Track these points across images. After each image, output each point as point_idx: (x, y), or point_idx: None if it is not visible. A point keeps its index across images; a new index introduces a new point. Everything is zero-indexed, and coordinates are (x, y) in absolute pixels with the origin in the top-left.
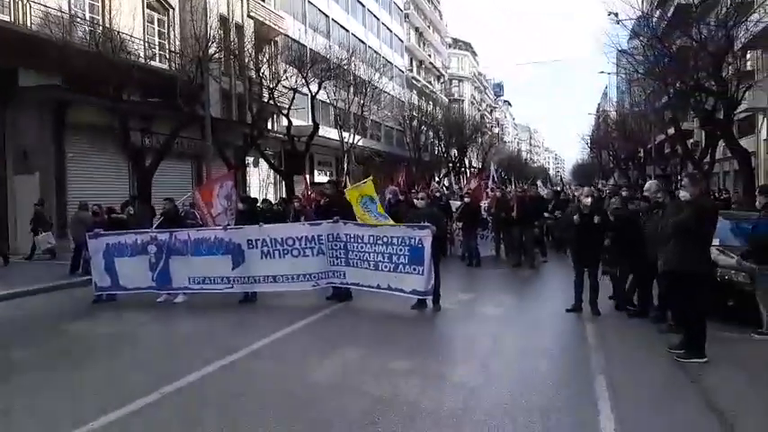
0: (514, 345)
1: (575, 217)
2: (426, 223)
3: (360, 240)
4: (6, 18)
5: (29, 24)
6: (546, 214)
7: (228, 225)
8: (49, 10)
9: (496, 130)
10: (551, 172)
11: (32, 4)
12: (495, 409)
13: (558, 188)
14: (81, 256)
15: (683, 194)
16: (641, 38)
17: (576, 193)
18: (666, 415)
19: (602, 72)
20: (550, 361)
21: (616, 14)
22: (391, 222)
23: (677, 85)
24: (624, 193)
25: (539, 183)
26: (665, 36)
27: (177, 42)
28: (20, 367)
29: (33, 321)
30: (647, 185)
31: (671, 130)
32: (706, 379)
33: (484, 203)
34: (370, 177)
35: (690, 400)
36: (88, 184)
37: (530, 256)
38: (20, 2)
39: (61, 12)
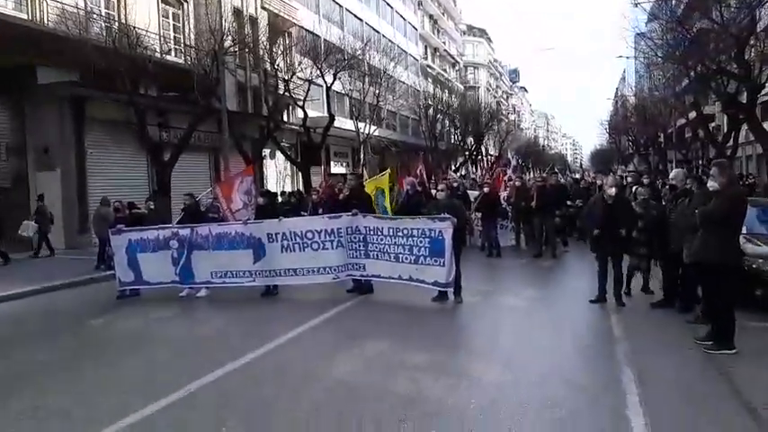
0: (539, 338)
1: (595, 231)
2: (447, 215)
3: (379, 233)
4: (24, 15)
5: (46, 21)
6: (568, 203)
7: (249, 220)
8: (66, 7)
9: (513, 116)
10: (569, 158)
11: (49, 1)
12: (521, 405)
13: (578, 175)
14: (105, 251)
15: (711, 184)
16: (660, 21)
17: (596, 181)
18: (696, 408)
19: (621, 56)
20: (576, 354)
21: None
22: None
23: (698, 68)
24: (646, 181)
25: (557, 170)
26: (685, 18)
27: (192, 36)
28: (46, 364)
29: (59, 317)
30: (673, 173)
31: (692, 115)
32: (736, 371)
33: (503, 193)
34: (388, 170)
35: (720, 392)
36: (108, 179)
37: (551, 245)
38: None
39: (77, 8)
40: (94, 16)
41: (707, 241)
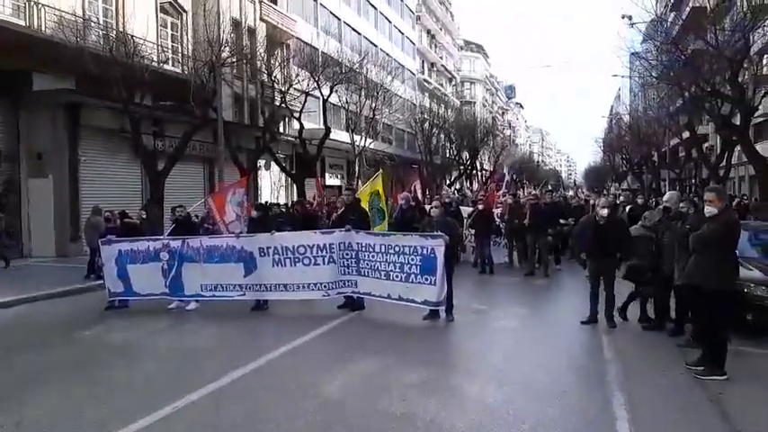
0: (530, 358)
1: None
2: (439, 232)
3: (371, 249)
4: (21, 22)
5: (43, 28)
6: (562, 221)
7: (241, 233)
8: (63, 14)
9: (508, 132)
10: (563, 175)
11: (47, 8)
12: (513, 425)
13: (571, 192)
14: (95, 260)
15: (709, 210)
16: (655, 41)
17: (588, 199)
18: None
19: (615, 75)
20: (567, 376)
21: (630, 17)
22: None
23: (692, 89)
24: (640, 201)
25: (550, 187)
26: (680, 39)
27: (190, 46)
28: (32, 376)
29: (47, 327)
30: (667, 196)
31: (685, 135)
32: (726, 398)
33: (496, 210)
34: (380, 170)
35: (710, 420)
36: (101, 187)
37: (543, 264)
38: (34, 6)
39: (75, 16)
40: (92, 24)
41: (700, 264)
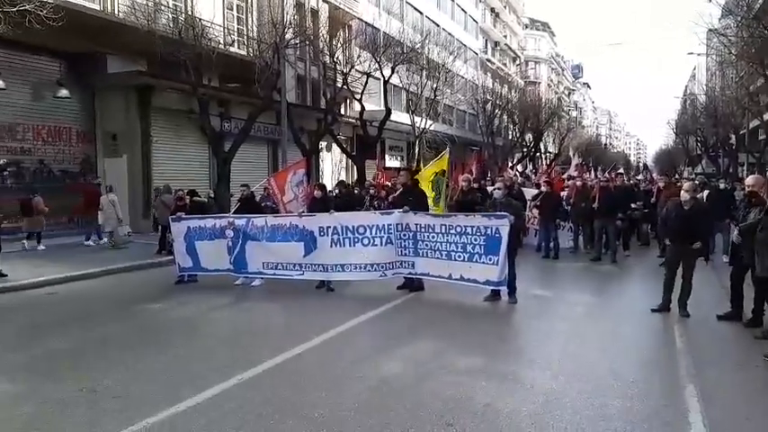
0: (595, 346)
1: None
2: (504, 212)
3: (431, 230)
4: (96, 6)
5: (116, 12)
6: (633, 205)
7: (303, 212)
8: None
9: (574, 113)
10: (632, 158)
11: None
12: (575, 415)
13: (640, 176)
14: (166, 237)
15: None
16: (735, 16)
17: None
18: (762, 429)
19: (691, 53)
20: (635, 365)
21: None
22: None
23: None
24: (722, 185)
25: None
26: (762, 14)
27: (255, 28)
28: (105, 345)
29: (120, 299)
30: (752, 180)
31: (767, 115)
32: None
33: (563, 193)
34: (447, 150)
35: None
36: (171, 167)
37: (612, 249)
38: None
39: (146, 0)
40: (162, 8)
41: None
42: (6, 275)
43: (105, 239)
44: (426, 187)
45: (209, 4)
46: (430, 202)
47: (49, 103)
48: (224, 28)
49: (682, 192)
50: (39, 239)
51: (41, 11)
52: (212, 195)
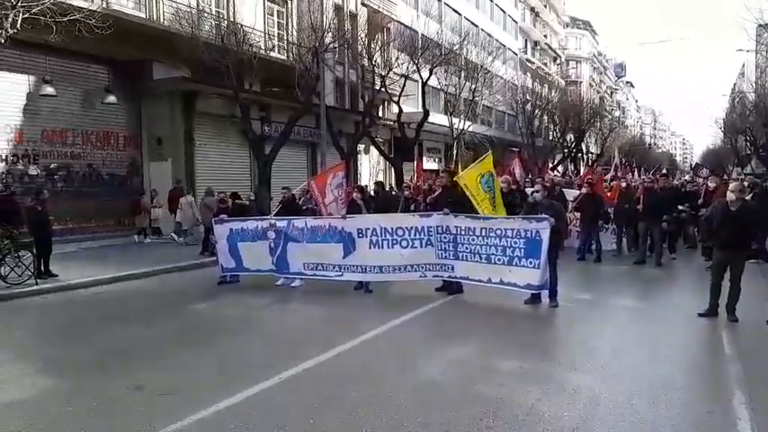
0: (639, 351)
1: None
2: (544, 215)
3: (471, 233)
4: (142, 15)
5: (162, 20)
6: (680, 207)
7: (344, 215)
8: (180, 6)
9: (617, 113)
10: (678, 158)
11: (165, 0)
12: (619, 422)
13: (688, 177)
14: (209, 238)
15: None
16: None
17: (707, 183)
18: None
19: (740, 50)
20: (680, 371)
21: None
22: (501, 211)
23: None
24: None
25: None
26: None
27: (295, 33)
28: (152, 343)
29: (165, 299)
30: None
31: None
32: None
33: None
34: (489, 152)
35: None
36: (214, 170)
37: (656, 253)
38: None
39: (190, 7)
40: (206, 15)
41: None
42: (57, 275)
43: (176, 237)
44: (475, 189)
45: (250, 11)
46: (485, 204)
47: (97, 109)
48: (265, 33)
49: (728, 192)
50: (146, 234)
51: (90, 20)
52: (253, 198)
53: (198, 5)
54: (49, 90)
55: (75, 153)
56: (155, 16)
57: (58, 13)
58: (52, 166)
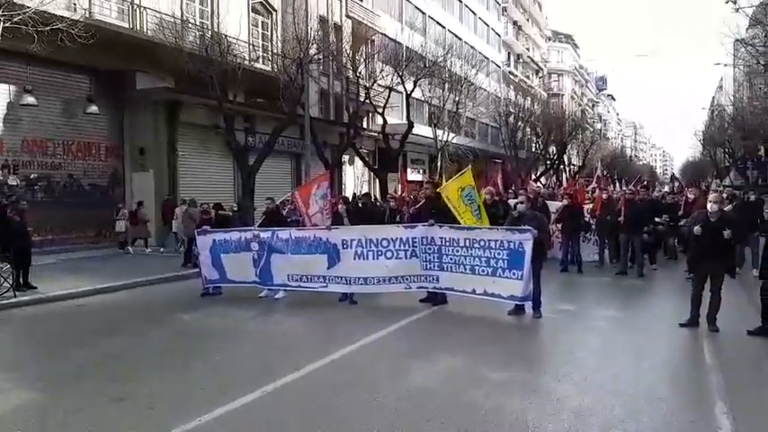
0: (622, 361)
1: (695, 228)
2: (527, 226)
3: (455, 244)
4: (125, 24)
5: (145, 30)
6: (658, 219)
7: (329, 226)
8: (164, 16)
9: (599, 125)
10: (658, 170)
11: (148, 10)
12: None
13: (666, 188)
14: (191, 250)
15: None
16: (763, 25)
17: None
18: None
19: (718, 63)
20: (663, 381)
21: (734, 1)
22: (486, 222)
23: None
24: (753, 198)
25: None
26: None
27: (279, 44)
28: (135, 356)
29: (147, 311)
30: None
31: None
32: None
33: (587, 206)
34: (469, 166)
35: None
36: (197, 181)
37: (638, 263)
38: (137, 9)
39: (174, 17)
40: (189, 25)
41: None
42: (36, 287)
43: (162, 248)
44: (456, 202)
45: (234, 21)
46: (467, 215)
47: (79, 118)
48: (249, 44)
49: (708, 203)
50: (146, 244)
51: (73, 29)
52: (236, 209)
53: (182, 15)
54: (30, 100)
55: (56, 163)
56: (138, 26)
57: (40, 22)
58: (32, 176)
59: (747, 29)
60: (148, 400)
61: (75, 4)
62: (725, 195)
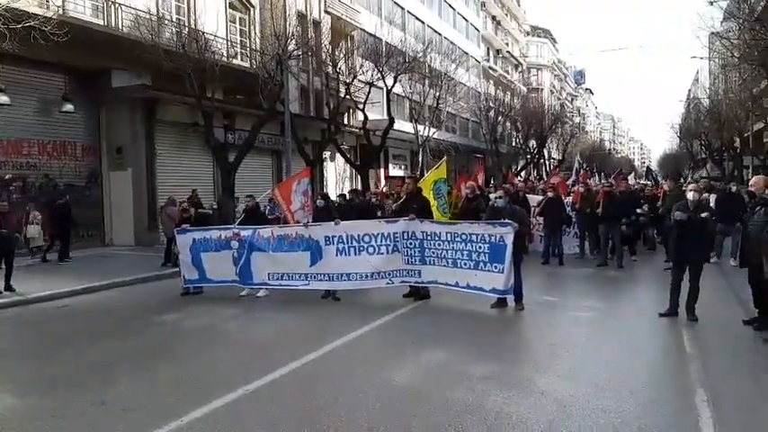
0: (604, 352)
1: (677, 213)
2: (508, 220)
3: (437, 238)
4: (100, 21)
5: (121, 27)
6: (639, 210)
7: (309, 222)
8: (139, 13)
9: (577, 119)
10: (636, 163)
11: (124, 7)
12: (585, 422)
13: (644, 182)
14: (171, 249)
15: None
16: (737, 19)
17: (663, 187)
18: None
19: (694, 57)
20: (644, 371)
21: None
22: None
23: None
24: (734, 188)
25: (630, 177)
26: (765, 17)
27: (258, 41)
28: (115, 357)
29: (127, 312)
30: (753, 180)
31: None
32: None
33: (567, 199)
34: (444, 158)
35: None
36: (176, 179)
37: (618, 255)
38: (112, 6)
39: (150, 14)
40: (166, 22)
41: None
42: (15, 290)
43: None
44: (428, 195)
45: (212, 18)
46: (434, 210)
47: (54, 117)
48: (227, 41)
49: (687, 192)
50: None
51: (46, 27)
52: (215, 207)
53: (158, 12)
54: (3, 99)
55: (32, 163)
56: (113, 23)
57: (12, 19)
58: (7, 176)
59: (722, 22)
60: (130, 402)
61: (48, 1)
62: (701, 186)
